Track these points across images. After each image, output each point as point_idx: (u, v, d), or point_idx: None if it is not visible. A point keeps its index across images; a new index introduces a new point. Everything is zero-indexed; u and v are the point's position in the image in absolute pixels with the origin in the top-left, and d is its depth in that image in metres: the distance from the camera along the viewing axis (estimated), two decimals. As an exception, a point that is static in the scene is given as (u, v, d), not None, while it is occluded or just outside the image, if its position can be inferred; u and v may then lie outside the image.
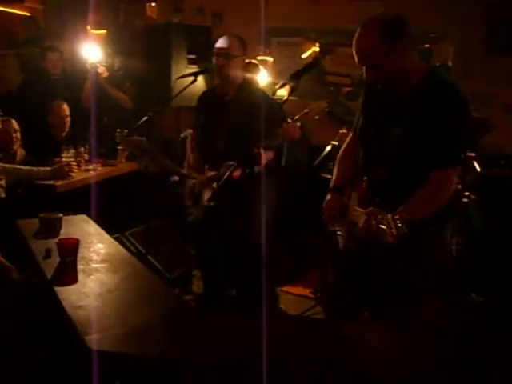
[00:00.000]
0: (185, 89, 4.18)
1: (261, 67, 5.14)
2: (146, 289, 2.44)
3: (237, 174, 3.43)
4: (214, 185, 3.54)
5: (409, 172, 2.47)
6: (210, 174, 3.71)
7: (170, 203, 5.21)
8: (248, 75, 4.19)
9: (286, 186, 5.25)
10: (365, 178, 2.70)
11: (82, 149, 4.93)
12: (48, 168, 4.57)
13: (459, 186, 4.58)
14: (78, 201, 4.15)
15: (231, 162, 3.40)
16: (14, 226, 3.33)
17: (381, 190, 2.56)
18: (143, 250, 4.47)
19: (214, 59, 3.77)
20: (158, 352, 1.88)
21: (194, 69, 4.88)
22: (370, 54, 2.43)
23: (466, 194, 4.54)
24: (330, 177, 5.00)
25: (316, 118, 4.81)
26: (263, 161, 3.60)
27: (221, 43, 3.76)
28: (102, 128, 5.35)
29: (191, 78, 4.07)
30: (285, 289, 4.95)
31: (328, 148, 5.31)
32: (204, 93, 4.08)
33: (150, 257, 4.43)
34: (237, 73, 3.77)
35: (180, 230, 5.00)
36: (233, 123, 3.67)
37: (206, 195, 3.65)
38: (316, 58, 3.22)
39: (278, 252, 4.87)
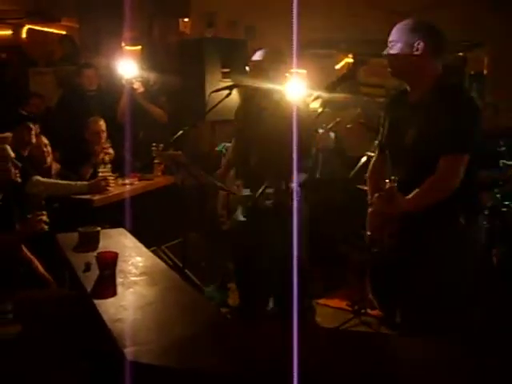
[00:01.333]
0: (219, 103, 4.17)
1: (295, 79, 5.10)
2: (185, 301, 2.43)
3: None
4: (249, 203, 3.54)
5: (425, 171, 2.57)
6: (245, 191, 3.68)
7: (206, 216, 5.24)
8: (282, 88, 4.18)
9: (322, 198, 5.24)
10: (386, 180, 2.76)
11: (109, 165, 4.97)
12: (85, 182, 4.63)
13: (498, 195, 4.51)
14: (114, 214, 4.19)
15: (268, 190, 3.40)
16: (53, 240, 3.38)
17: (402, 191, 2.62)
18: (180, 264, 4.48)
19: (248, 73, 3.78)
20: (198, 365, 1.86)
21: (228, 82, 4.88)
22: None
23: (506, 203, 4.45)
24: (365, 188, 5.03)
25: (348, 126, 4.82)
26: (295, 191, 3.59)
27: (255, 56, 3.76)
28: (138, 143, 5.40)
29: (226, 92, 4.07)
30: (321, 301, 4.90)
31: (363, 159, 5.26)
32: (242, 103, 4.06)
33: (186, 270, 4.44)
34: (271, 85, 3.74)
35: (216, 242, 5.01)
36: (265, 139, 3.64)
37: (240, 211, 3.64)
38: (350, 70, 3.20)
39: (314, 264, 4.85)
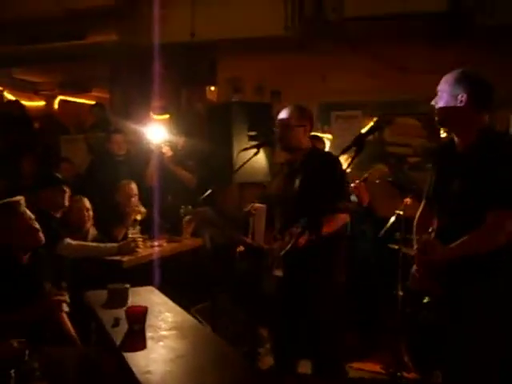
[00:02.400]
0: (247, 161, 4.21)
1: (325, 139, 5.15)
2: (217, 354, 2.38)
3: (302, 240, 3.37)
4: (282, 253, 3.48)
5: (471, 222, 2.52)
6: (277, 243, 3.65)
7: (236, 278, 5.18)
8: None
9: (352, 258, 5.17)
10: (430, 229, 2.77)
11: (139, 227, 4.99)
12: (115, 244, 4.64)
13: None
14: (143, 276, 4.18)
15: (295, 228, 3.35)
16: (81, 299, 3.36)
17: (446, 241, 2.59)
18: (209, 327, 4.40)
19: (275, 131, 3.80)
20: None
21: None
22: None
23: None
24: (396, 247, 4.95)
25: (377, 181, 4.79)
26: (333, 225, 3.55)
27: (281, 114, 3.79)
28: (167, 207, 5.44)
29: (253, 152, 4.11)
30: (354, 365, 4.75)
31: (393, 218, 5.21)
32: (282, 163, 4.07)
33: (215, 334, 4.35)
34: (298, 142, 3.74)
35: (245, 305, 4.93)
36: (301, 191, 3.62)
37: (276, 265, 3.59)
38: (378, 122, 3.20)
39: (345, 327, 4.74)
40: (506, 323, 2.53)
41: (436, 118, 2.73)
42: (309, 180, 3.59)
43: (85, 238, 4.67)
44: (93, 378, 2.93)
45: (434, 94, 2.76)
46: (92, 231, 4.81)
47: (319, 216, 3.41)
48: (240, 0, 5.84)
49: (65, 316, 3.49)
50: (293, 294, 3.62)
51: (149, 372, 2.13)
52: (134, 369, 2.17)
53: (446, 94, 2.65)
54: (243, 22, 5.74)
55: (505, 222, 2.46)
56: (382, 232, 5.31)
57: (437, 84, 2.74)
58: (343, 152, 3.20)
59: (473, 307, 2.54)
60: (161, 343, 2.47)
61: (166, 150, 5.64)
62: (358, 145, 3.17)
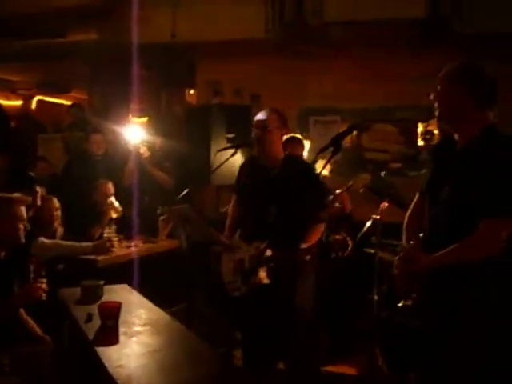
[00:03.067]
0: (225, 162, 4.20)
1: (304, 142, 5.14)
2: (192, 350, 2.35)
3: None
4: (272, 264, 3.49)
5: (461, 225, 2.39)
6: (268, 252, 3.62)
7: (211, 280, 5.16)
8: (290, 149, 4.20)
9: (328, 263, 5.18)
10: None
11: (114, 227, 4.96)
12: (89, 243, 4.60)
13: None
14: (118, 275, 4.13)
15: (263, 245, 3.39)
16: (54, 297, 3.31)
17: (434, 245, 2.48)
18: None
19: (252, 132, 3.80)
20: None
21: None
22: None
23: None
24: (372, 251, 4.97)
25: (361, 191, 4.78)
26: (314, 238, 3.60)
27: (259, 116, 3.79)
28: (143, 208, 5.40)
29: (231, 153, 4.10)
30: (329, 369, 4.75)
31: (369, 223, 5.23)
32: (246, 161, 4.06)
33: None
34: (275, 145, 3.74)
35: (221, 308, 4.91)
36: (283, 199, 3.56)
37: (262, 273, 3.57)
38: (355, 124, 3.21)
39: (320, 330, 4.74)
40: (495, 331, 2.38)
41: (436, 113, 2.55)
42: (291, 188, 3.57)
43: (53, 237, 4.62)
44: (65, 376, 2.89)
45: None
46: (60, 230, 4.77)
47: (298, 228, 3.44)
48: (221, 2, 5.83)
49: (31, 322, 3.45)
50: (267, 296, 3.61)
51: (121, 366, 2.11)
52: (105, 363, 2.14)
53: (445, 88, 2.50)
54: (224, 25, 5.74)
55: (499, 231, 2.31)
56: (358, 236, 5.34)
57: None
58: (320, 152, 3.20)
59: (460, 315, 2.41)
60: (134, 338, 2.44)
61: (144, 150, 5.61)
62: (334, 145, 3.19)
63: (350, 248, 5.09)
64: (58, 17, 5.87)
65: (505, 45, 5.33)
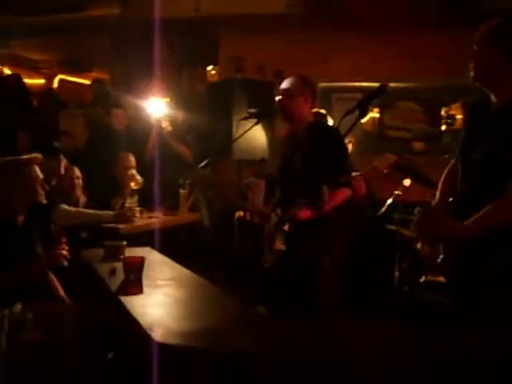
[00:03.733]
0: (247, 131, 4.18)
1: (328, 118, 5.08)
2: (215, 299, 2.35)
3: (305, 213, 3.33)
4: (286, 227, 3.45)
5: (493, 190, 2.30)
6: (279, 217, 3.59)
7: (234, 255, 5.15)
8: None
9: (351, 238, 5.14)
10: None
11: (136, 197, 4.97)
12: (111, 212, 4.62)
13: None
14: (139, 245, 4.13)
15: (300, 201, 3.31)
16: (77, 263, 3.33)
17: (466, 211, 2.37)
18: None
19: (276, 100, 3.77)
20: (225, 347, 1.77)
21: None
22: None
23: None
24: (394, 228, 4.93)
25: (385, 171, 4.71)
26: (335, 200, 3.49)
27: (283, 85, 3.76)
28: (165, 181, 5.40)
29: (253, 122, 4.07)
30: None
31: (390, 200, 5.19)
32: (285, 137, 4.01)
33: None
34: (299, 111, 3.70)
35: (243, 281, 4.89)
36: (305, 164, 3.56)
37: (279, 239, 3.54)
38: (383, 86, 3.15)
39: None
40: None
41: (471, 74, 2.45)
42: (311, 154, 3.54)
43: (76, 205, 4.65)
44: (87, 334, 2.89)
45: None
46: (82, 199, 4.79)
47: (321, 191, 3.35)
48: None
49: (53, 278, 3.47)
50: (294, 266, 3.58)
51: (144, 312, 2.10)
52: (130, 310, 2.14)
53: (481, 48, 2.38)
54: (247, -1, 5.71)
55: None
56: (380, 212, 5.30)
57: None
58: (346, 114, 3.16)
59: (484, 289, 2.32)
60: (158, 290, 2.44)
61: (166, 124, 5.61)
62: (361, 108, 3.15)
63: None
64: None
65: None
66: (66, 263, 3.26)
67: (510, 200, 2.24)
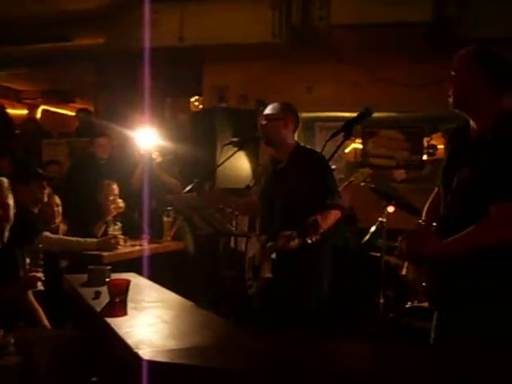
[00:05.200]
0: (230, 157, 4.19)
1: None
2: (201, 320, 2.31)
3: (294, 243, 3.30)
4: (273, 256, 3.41)
5: (473, 215, 2.28)
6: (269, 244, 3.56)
7: (218, 283, 5.10)
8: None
9: (335, 266, 5.13)
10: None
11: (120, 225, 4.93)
12: (94, 239, 4.59)
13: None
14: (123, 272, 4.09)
15: (288, 232, 3.28)
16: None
17: (448, 236, 2.34)
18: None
19: (259, 125, 3.79)
20: (212, 364, 1.74)
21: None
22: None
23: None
24: (379, 255, 4.93)
25: (362, 184, 4.76)
26: (326, 223, 3.42)
27: (267, 110, 3.78)
28: (151, 212, 5.37)
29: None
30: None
31: (374, 227, 5.21)
32: (265, 162, 3.99)
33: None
34: (284, 136, 3.68)
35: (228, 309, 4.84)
36: (288, 192, 3.52)
37: (266, 267, 3.50)
38: (368, 109, 3.20)
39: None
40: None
41: (450, 101, 2.43)
42: (297, 179, 3.52)
43: (56, 233, 4.61)
44: (66, 360, 2.83)
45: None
46: (62, 227, 4.76)
47: (309, 219, 3.31)
48: (228, 7, 5.87)
49: (35, 303, 3.41)
50: (280, 293, 3.54)
51: (132, 332, 2.07)
52: (116, 330, 2.10)
53: (461, 74, 2.36)
54: (231, 28, 5.76)
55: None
56: (365, 239, 5.31)
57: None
58: (332, 136, 3.20)
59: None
60: (144, 311, 2.40)
61: (156, 155, 5.62)
62: (346, 130, 3.18)
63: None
64: (64, 20, 5.89)
65: (510, 49, 5.35)
66: (41, 286, 3.21)
67: (490, 222, 2.23)
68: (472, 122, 2.44)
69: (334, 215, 3.51)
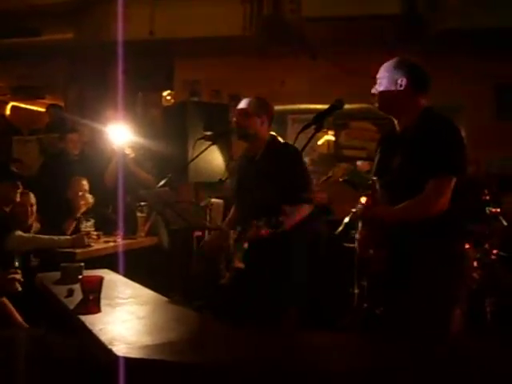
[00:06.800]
0: (202, 152, 4.16)
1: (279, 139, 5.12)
2: (177, 315, 2.31)
3: (264, 232, 3.30)
4: (245, 246, 3.42)
5: (410, 194, 2.57)
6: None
7: (191, 277, 5.10)
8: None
9: (309, 258, 5.15)
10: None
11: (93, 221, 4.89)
12: (68, 237, 4.54)
13: (486, 246, 4.48)
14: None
15: (258, 221, 3.29)
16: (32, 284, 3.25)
17: None
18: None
19: (233, 120, 3.78)
20: (187, 359, 1.74)
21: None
22: None
23: (494, 251, 4.41)
24: (352, 246, 4.97)
25: (340, 179, 4.79)
26: (295, 217, 3.47)
27: (240, 104, 3.77)
28: (125, 207, 5.33)
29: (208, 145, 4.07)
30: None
31: (347, 218, 5.23)
32: (239, 157, 4.02)
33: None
34: (258, 130, 3.68)
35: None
36: (262, 185, 3.53)
37: (237, 257, 3.50)
38: (339, 101, 3.21)
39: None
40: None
41: (376, 104, 2.81)
42: (269, 172, 3.54)
43: (28, 232, 4.55)
44: (41, 361, 2.81)
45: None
46: (35, 226, 4.70)
47: (279, 210, 3.32)
48: (199, 0, 5.84)
49: (8, 303, 3.38)
50: (253, 283, 3.55)
51: (106, 329, 2.06)
52: (90, 327, 2.09)
53: (385, 80, 2.75)
54: (202, 22, 5.74)
55: (444, 188, 2.53)
56: (338, 231, 5.33)
57: None
58: (303, 129, 3.20)
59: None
60: (117, 308, 2.39)
61: (129, 151, 5.58)
62: (317, 123, 3.19)
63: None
64: (34, 15, 5.80)
65: (479, 41, 5.43)
66: (19, 288, 3.18)
67: (426, 195, 2.53)
68: (395, 122, 2.78)
69: (306, 209, 3.54)
